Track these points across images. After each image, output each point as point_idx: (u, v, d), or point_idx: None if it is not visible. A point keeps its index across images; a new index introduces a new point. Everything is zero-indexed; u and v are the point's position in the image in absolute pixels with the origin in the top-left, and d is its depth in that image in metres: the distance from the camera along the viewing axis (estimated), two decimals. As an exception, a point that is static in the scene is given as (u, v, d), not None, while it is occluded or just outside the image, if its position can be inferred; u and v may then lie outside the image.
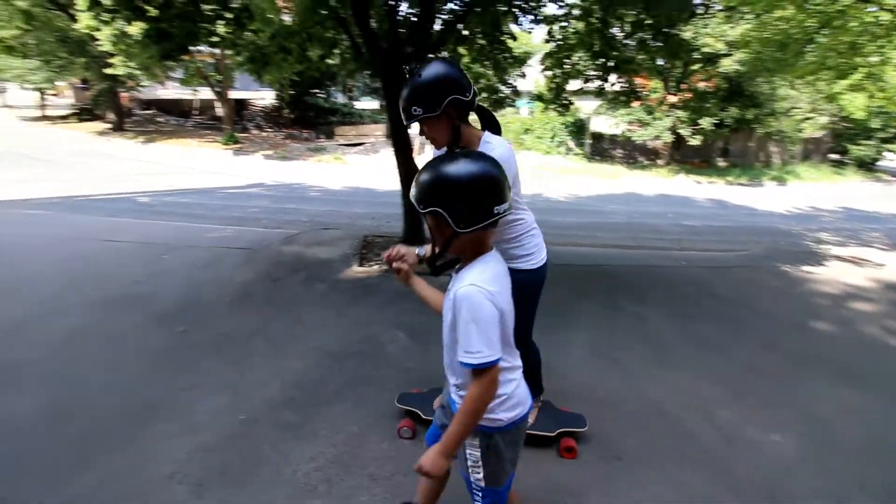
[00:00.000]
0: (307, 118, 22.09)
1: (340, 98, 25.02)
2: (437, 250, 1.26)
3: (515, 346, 1.74)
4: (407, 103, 1.69)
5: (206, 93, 23.56)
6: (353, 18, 4.61)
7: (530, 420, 2.10)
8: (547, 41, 5.95)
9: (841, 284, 5.21)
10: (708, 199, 13.30)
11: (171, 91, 22.47)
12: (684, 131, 17.22)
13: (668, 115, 17.33)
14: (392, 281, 4.72)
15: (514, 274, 1.92)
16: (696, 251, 6.81)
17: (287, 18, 5.79)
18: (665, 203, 12.15)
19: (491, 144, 1.77)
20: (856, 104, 19.76)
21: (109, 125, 19.97)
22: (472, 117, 1.87)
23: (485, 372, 1.16)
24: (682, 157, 21.98)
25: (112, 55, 15.46)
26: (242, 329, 3.46)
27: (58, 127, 20.65)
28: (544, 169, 18.11)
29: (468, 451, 1.34)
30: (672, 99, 17.06)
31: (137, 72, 15.34)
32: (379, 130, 21.93)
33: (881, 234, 8.88)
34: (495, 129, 1.83)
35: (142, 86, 18.95)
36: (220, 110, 24.80)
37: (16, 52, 16.86)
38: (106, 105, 19.66)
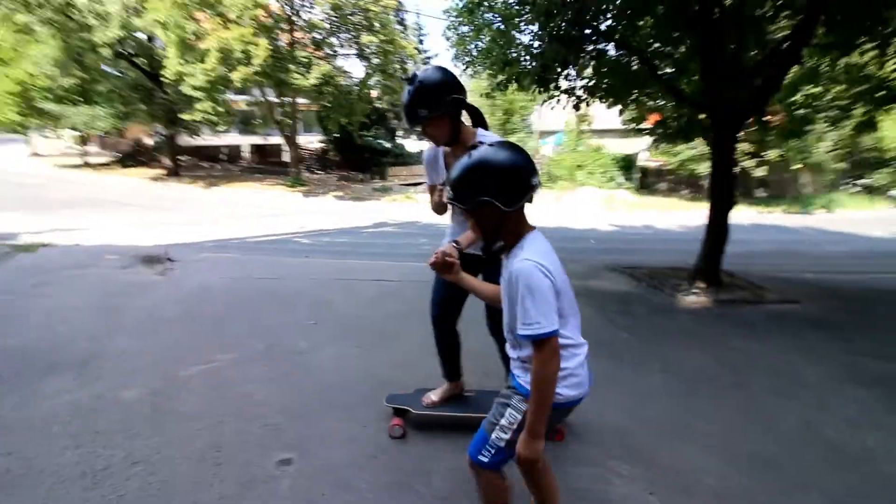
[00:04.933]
0: (362, 160, 22.10)
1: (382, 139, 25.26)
2: (487, 239, 1.35)
3: (497, 334, 2.08)
4: (412, 106, 1.83)
5: (233, 139, 23.46)
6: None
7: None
8: None
9: None
10: (806, 227, 13.50)
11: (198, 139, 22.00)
12: (749, 163, 17.71)
13: (728, 149, 17.86)
14: (737, 309, 4.44)
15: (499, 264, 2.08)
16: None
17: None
18: (774, 232, 12.23)
19: (486, 137, 1.91)
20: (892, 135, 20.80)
21: (163, 171, 19.53)
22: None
23: (544, 343, 1.21)
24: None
25: (188, 101, 15.49)
26: (697, 366, 3.12)
27: (107, 174, 20.06)
28: (613, 202, 18.32)
29: (508, 410, 1.36)
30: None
31: (214, 118, 15.26)
32: (432, 170, 22.04)
33: None
34: (483, 124, 2.03)
35: (200, 133, 18.65)
36: (246, 154, 24.80)
37: (67, 101, 16.65)
38: (165, 151, 19.24)
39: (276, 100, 16.69)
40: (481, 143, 1.87)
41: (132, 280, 4.88)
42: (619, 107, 5.97)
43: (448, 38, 7.83)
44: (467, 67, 7.31)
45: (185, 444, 2.09)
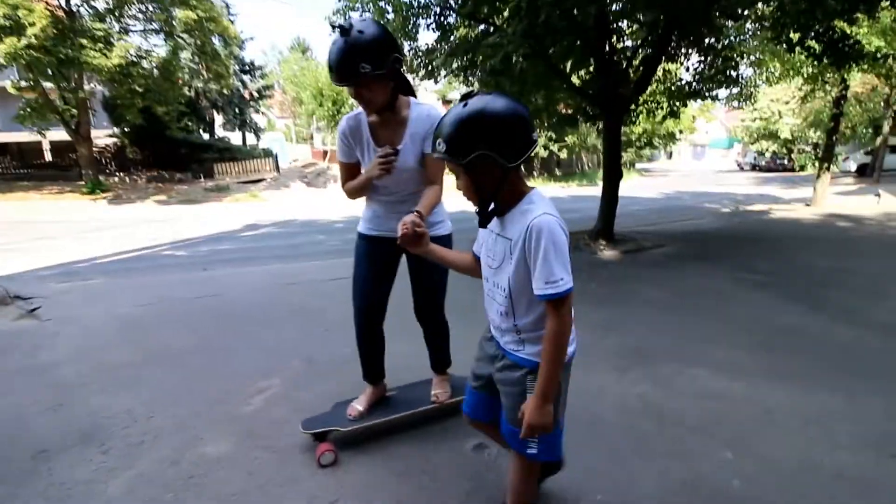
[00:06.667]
0: (176, 156, 18.66)
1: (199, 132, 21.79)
2: (482, 200, 1.21)
3: (427, 319, 2.08)
4: (350, 60, 1.57)
5: None
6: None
7: (442, 396, 2.13)
8: None
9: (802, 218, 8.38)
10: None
11: None
12: (554, 147, 21.30)
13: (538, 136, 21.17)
14: (638, 256, 5.65)
15: (433, 242, 1.55)
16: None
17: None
18: (590, 201, 15.16)
19: (422, 106, 1.81)
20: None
21: None
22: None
23: (565, 300, 1.13)
24: (529, 169, 26.84)
25: None
26: (659, 297, 4.09)
27: None
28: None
29: (528, 395, 1.23)
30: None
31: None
32: (268, 166, 20.13)
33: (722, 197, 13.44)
34: (412, 92, 1.86)
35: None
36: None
37: None
38: None
39: (50, 84, 12.78)
40: (420, 110, 1.75)
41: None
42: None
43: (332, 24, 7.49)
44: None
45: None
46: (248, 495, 1.76)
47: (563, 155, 22.35)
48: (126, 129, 18.49)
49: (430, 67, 6.54)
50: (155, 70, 14.38)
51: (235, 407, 2.37)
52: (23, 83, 12.11)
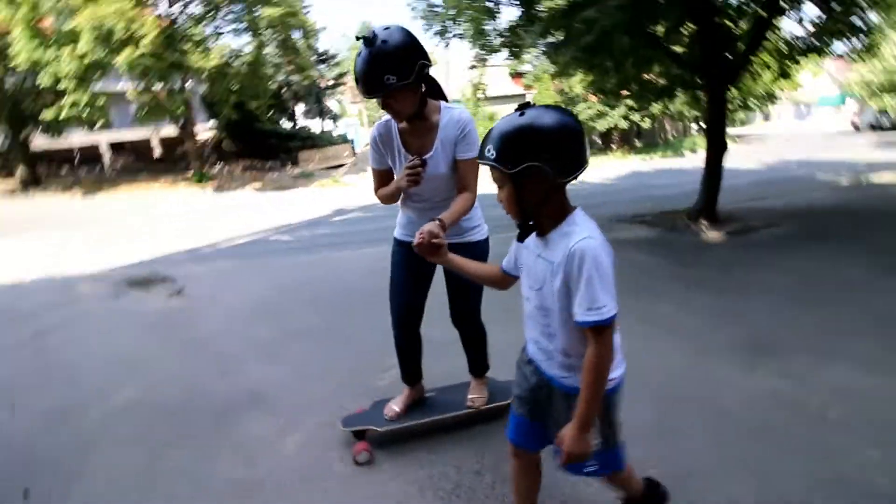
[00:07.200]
0: (265, 146, 20.19)
1: (284, 123, 23.30)
2: (524, 215, 1.19)
3: (463, 324, 2.11)
4: (375, 73, 1.56)
5: (84, 138, 19.49)
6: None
7: (478, 402, 2.14)
8: None
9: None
10: (695, 167, 15.85)
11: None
12: (636, 118, 20.05)
13: (618, 106, 19.97)
14: (745, 237, 5.29)
15: (468, 248, 1.81)
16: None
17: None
18: (680, 175, 14.18)
19: (452, 111, 1.80)
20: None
21: (14, 183, 15.77)
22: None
23: (607, 328, 1.11)
24: (607, 142, 25.43)
25: (38, 94, 12.55)
26: (784, 284, 3.82)
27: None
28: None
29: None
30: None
31: (88, 113, 12.72)
32: (346, 151, 21.10)
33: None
34: (443, 96, 1.84)
35: (60, 134, 15.29)
36: (106, 154, 21.14)
37: None
38: (17, 158, 15.43)
39: (159, 86, 14.29)
40: (451, 115, 1.75)
41: (148, 309, 4.22)
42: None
43: (413, 8, 7.60)
44: (443, 36, 7.29)
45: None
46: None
47: (646, 124, 20.94)
48: (222, 124, 20.24)
49: (513, 47, 6.44)
50: (245, 66, 15.53)
51: (371, 381, 2.65)
52: (139, 87, 13.71)
